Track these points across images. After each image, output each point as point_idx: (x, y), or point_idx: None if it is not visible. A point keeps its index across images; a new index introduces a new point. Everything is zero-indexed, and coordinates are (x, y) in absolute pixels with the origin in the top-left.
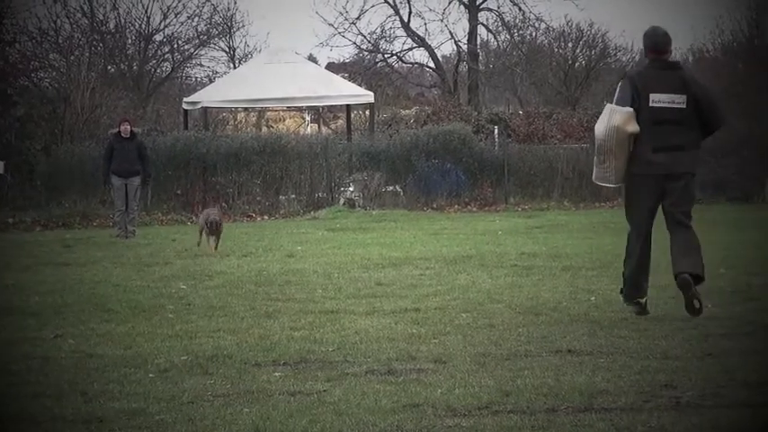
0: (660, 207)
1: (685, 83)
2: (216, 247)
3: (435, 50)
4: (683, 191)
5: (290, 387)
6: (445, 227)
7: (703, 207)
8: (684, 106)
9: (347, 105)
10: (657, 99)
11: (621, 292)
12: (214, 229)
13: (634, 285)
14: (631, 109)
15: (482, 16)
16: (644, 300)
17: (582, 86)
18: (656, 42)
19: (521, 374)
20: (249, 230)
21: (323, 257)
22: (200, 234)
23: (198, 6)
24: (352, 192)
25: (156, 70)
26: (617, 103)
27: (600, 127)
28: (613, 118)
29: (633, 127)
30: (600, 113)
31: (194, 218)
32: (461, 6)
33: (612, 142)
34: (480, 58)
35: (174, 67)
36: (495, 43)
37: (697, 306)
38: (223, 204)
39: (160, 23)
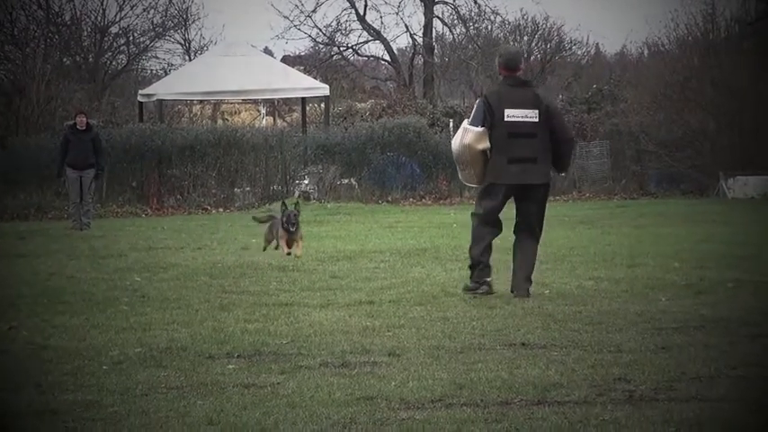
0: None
1: (537, 98)
2: (299, 251)
3: (391, 43)
4: (537, 207)
5: (243, 379)
6: (400, 220)
7: (658, 201)
8: (537, 120)
9: (302, 98)
10: (512, 114)
11: (471, 275)
12: (292, 229)
13: (484, 267)
14: (482, 128)
15: (438, 9)
16: (490, 279)
17: (537, 80)
18: (509, 60)
19: (474, 367)
20: (204, 223)
21: (277, 250)
22: (269, 239)
23: None
24: (307, 184)
25: (111, 62)
26: (471, 123)
27: (455, 144)
28: (466, 137)
29: (483, 145)
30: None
31: (149, 210)
32: (417, 0)
33: (467, 157)
34: (436, 51)
35: (130, 60)
36: (451, 36)
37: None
38: (178, 197)
39: (116, 15)
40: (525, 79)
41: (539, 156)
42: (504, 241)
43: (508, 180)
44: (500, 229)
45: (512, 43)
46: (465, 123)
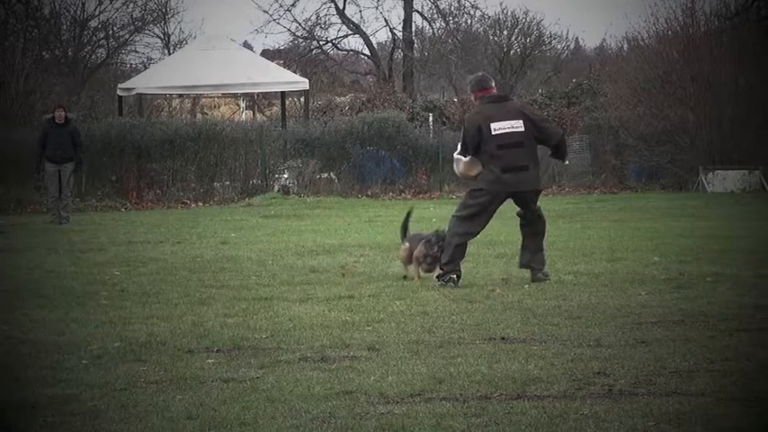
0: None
1: (518, 109)
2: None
3: (370, 38)
4: (533, 207)
5: (223, 374)
6: (380, 214)
7: (638, 195)
8: (523, 129)
9: (282, 92)
10: (498, 127)
11: (442, 268)
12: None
13: (457, 264)
14: (469, 158)
15: (417, 3)
16: (456, 274)
17: (517, 74)
18: (480, 81)
19: (454, 362)
20: (183, 217)
21: (257, 244)
22: (411, 264)
23: None
24: (286, 179)
25: (90, 56)
26: (459, 152)
27: (455, 168)
28: (459, 166)
29: (475, 171)
30: (533, 101)
31: (128, 204)
32: None
33: (467, 179)
34: (415, 45)
35: (109, 54)
36: (431, 31)
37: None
38: (157, 191)
39: (95, 9)
40: (503, 94)
41: (530, 163)
42: (489, 236)
43: (502, 189)
44: (477, 233)
45: (491, 38)
46: (456, 153)
